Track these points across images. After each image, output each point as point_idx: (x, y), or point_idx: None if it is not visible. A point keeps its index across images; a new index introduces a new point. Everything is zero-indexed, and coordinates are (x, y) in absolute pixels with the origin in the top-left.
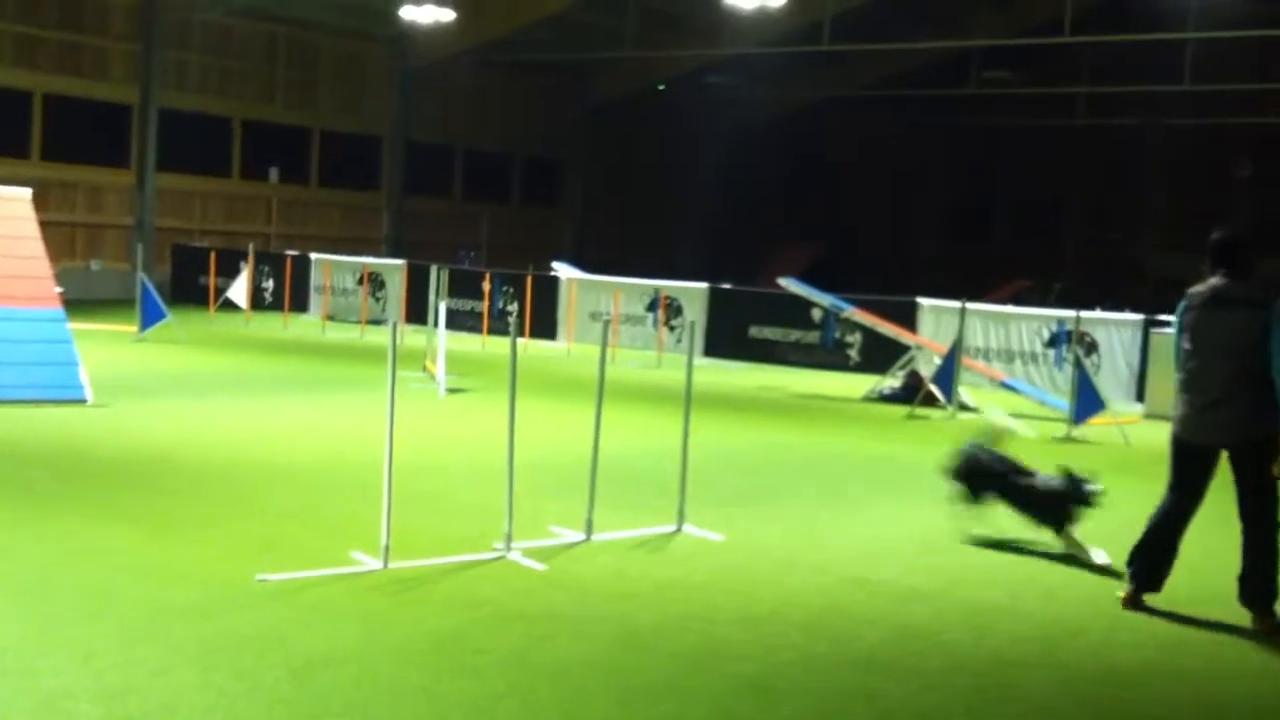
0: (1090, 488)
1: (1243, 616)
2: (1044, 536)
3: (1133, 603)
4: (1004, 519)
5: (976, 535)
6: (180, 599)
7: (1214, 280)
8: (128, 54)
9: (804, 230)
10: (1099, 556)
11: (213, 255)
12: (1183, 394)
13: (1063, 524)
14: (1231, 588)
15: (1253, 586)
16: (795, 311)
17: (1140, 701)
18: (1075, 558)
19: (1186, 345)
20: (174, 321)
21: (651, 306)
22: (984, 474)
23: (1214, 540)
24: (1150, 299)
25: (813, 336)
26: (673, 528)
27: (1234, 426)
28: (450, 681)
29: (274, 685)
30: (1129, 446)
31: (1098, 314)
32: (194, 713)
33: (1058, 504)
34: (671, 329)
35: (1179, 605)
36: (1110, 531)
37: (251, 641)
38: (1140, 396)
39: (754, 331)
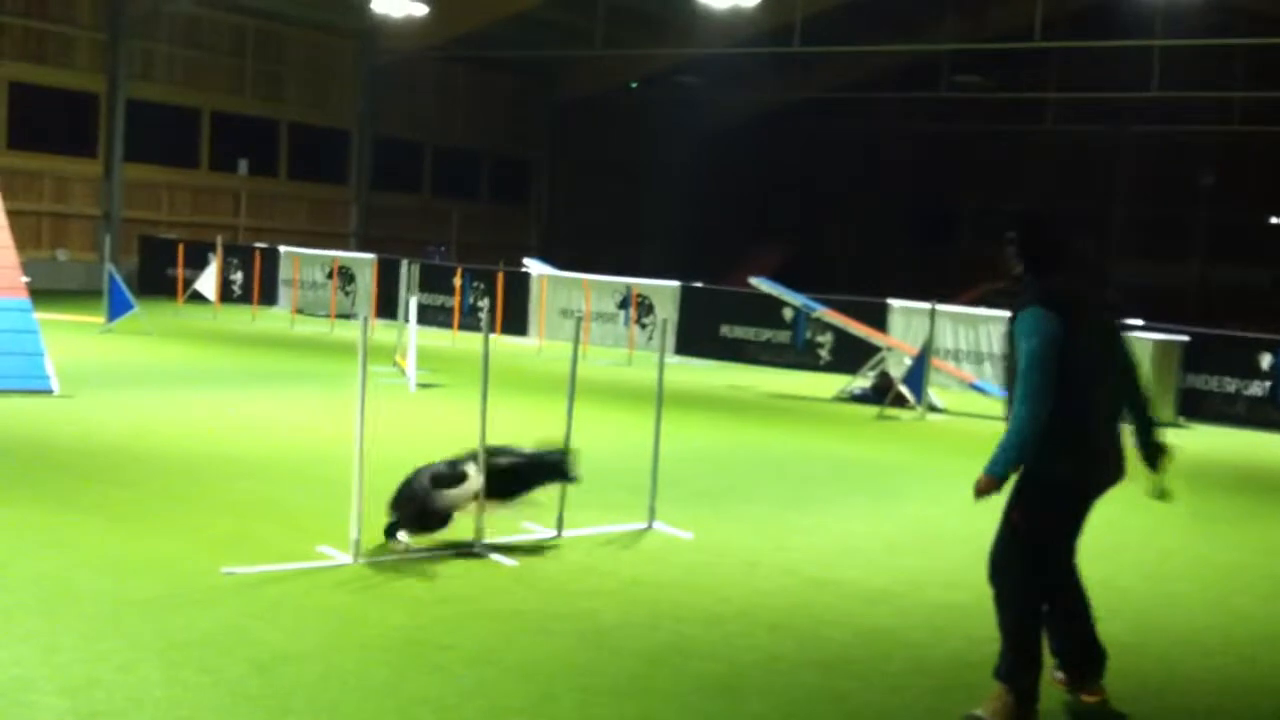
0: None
1: (1201, 621)
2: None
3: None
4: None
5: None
6: (145, 592)
7: (1070, 282)
8: (95, 43)
9: (775, 230)
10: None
11: (180, 247)
12: (1084, 431)
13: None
14: (1189, 593)
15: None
16: (766, 311)
17: (1100, 702)
18: None
19: (1083, 368)
20: (141, 313)
21: (623, 304)
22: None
23: (1171, 541)
24: (1117, 304)
25: (784, 336)
26: (643, 525)
27: (1122, 462)
28: (416, 679)
29: (239, 680)
30: None
31: None
32: (159, 707)
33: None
34: (643, 327)
35: (1138, 612)
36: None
37: (216, 636)
38: None
39: (725, 330)
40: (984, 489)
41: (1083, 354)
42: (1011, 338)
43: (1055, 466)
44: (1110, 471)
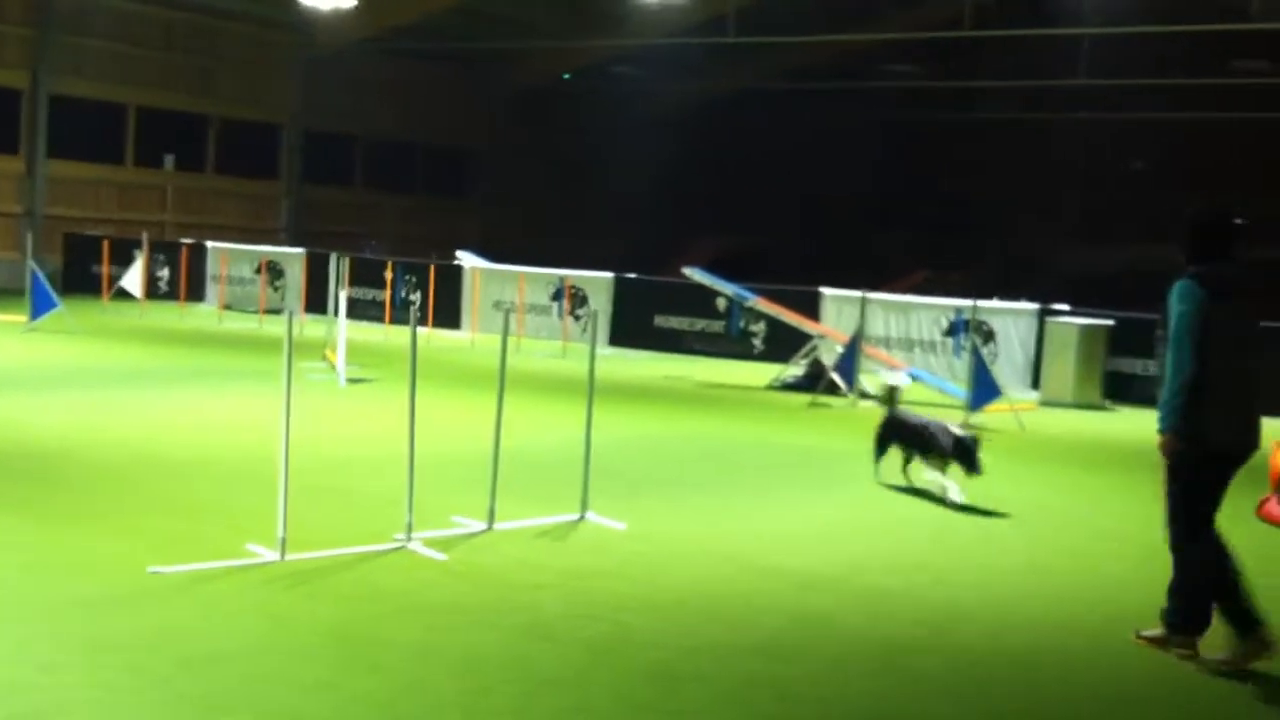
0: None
1: (1133, 598)
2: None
3: (1265, 645)
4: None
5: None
6: (71, 593)
7: (1221, 266)
8: (22, 38)
9: (714, 221)
10: (954, 494)
11: (106, 244)
12: (1225, 396)
13: (946, 463)
14: (1120, 574)
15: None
16: (700, 301)
17: (1031, 681)
18: (975, 550)
19: (1225, 339)
20: (66, 311)
21: (556, 296)
22: (901, 428)
23: (1104, 523)
24: (1052, 291)
25: (717, 326)
26: (575, 517)
27: (1257, 428)
28: (350, 676)
29: (166, 680)
30: (1024, 432)
31: (995, 304)
32: (82, 709)
33: (949, 449)
34: (576, 318)
35: (1068, 591)
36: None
37: (144, 636)
38: (1036, 384)
39: (659, 321)
40: (1165, 447)
41: (1216, 326)
42: (1166, 308)
43: (1192, 427)
44: (1241, 438)
